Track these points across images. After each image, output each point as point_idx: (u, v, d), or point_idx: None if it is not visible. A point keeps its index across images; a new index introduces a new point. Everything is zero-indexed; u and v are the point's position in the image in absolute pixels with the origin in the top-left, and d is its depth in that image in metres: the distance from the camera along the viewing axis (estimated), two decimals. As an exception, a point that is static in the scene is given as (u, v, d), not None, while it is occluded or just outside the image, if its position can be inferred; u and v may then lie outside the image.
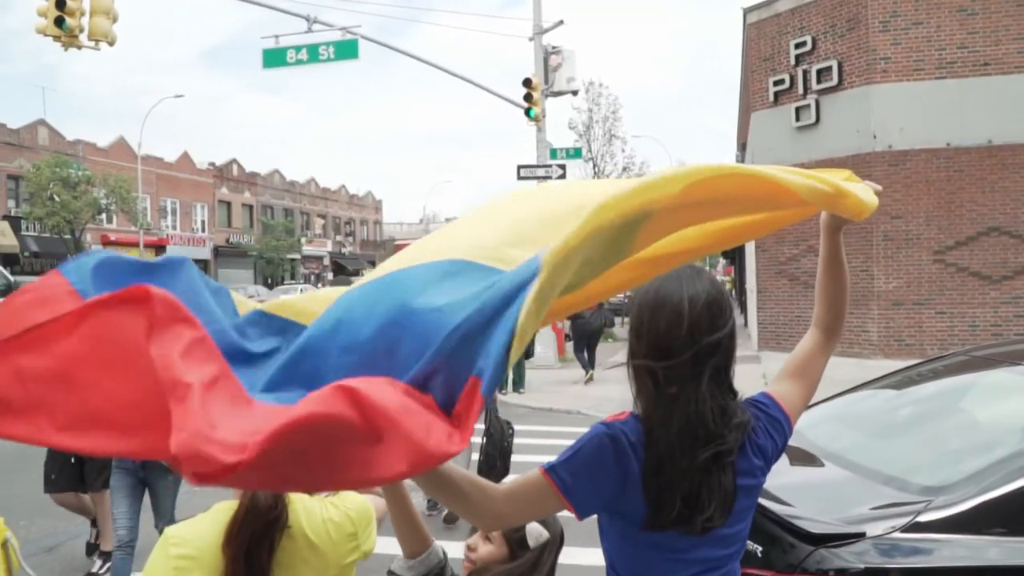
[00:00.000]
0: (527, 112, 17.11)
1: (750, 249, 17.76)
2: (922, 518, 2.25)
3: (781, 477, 3.11)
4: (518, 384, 13.19)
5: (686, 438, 1.44)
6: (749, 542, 2.42)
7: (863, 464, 2.83)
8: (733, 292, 46.28)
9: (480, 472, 6.31)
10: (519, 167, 17.87)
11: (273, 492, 1.64)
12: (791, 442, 3.27)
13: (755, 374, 13.45)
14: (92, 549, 5.41)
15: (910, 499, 2.41)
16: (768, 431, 1.60)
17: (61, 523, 6.01)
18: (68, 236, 32.61)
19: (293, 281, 47.38)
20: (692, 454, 1.44)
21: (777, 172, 1.42)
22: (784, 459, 3.25)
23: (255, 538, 1.63)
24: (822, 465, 2.99)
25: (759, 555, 2.34)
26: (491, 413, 6.44)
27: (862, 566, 2.13)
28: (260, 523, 1.65)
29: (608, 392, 12.58)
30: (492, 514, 1.47)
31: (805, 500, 2.62)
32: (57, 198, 31.47)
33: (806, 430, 3.40)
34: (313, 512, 1.74)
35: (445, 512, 6.53)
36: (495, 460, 6.17)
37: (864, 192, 1.65)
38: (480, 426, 6.61)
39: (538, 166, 17.82)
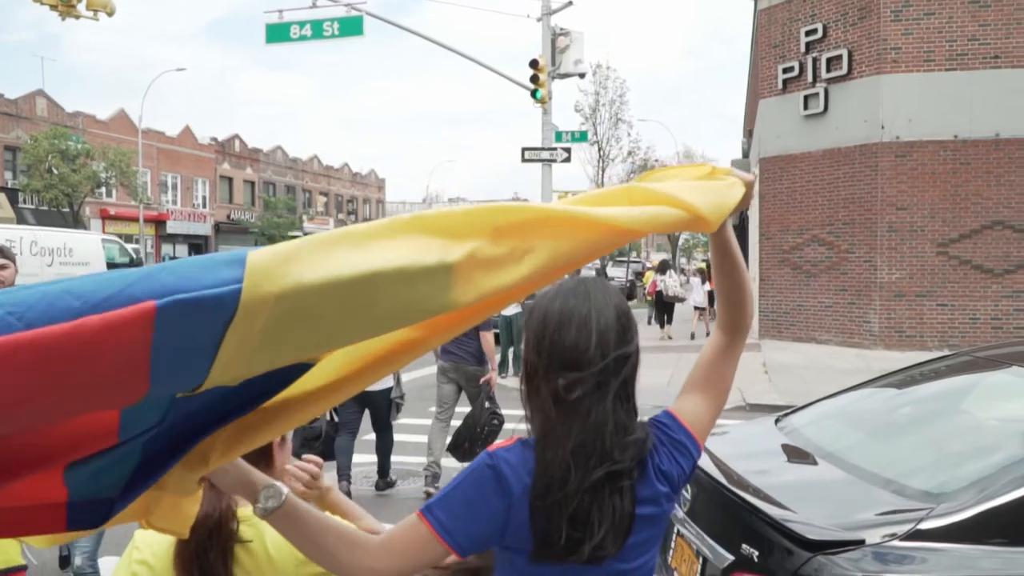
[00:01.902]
0: (533, 94, 16.96)
1: (753, 238, 17.68)
2: (923, 525, 2.20)
3: (778, 476, 3.09)
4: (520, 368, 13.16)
5: (580, 457, 1.34)
6: (745, 545, 2.38)
7: (861, 466, 2.78)
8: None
9: (448, 448, 6.36)
10: (524, 149, 17.76)
11: (225, 502, 1.57)
12: (788, 440, 3.27)
13: (756, 362, 13.44)
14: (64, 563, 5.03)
15: (909, 505, 2.36)
16: (672, 455, 1.46)
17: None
18: (67, 209, 32.45)
19: None
20: (584, 474, 1.34)
21: (611, 213, 1.22)
22: (781, 457, 3.25)
23: (205, 554, 1.54)
24: (820, 465, 2.94)
25: (755, 560, 2.30)
26: (481, 396, 6.44)
27: (860, 574, 2.08)
28: (208, 536, 1.54)
29: (649, 381, 12.54)
30: (366, 570, 1.33)
31: (802, 503, 2.58)
32: (55, 171, 31.23)
33: (804, 428, 3.37)
34: None
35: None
36: (464, 441, 6.22)
37: (723, 195, 1.39)
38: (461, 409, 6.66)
39: (543, 148, 17.71)
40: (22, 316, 0.88)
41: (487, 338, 6.64)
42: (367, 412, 6.62)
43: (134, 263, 19.14)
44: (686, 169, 1.46)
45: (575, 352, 1.37)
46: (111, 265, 17.66)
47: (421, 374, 12.26)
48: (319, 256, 1.03)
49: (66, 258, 16.55)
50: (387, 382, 6.45)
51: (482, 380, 6.62)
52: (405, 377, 7.86)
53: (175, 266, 0.98)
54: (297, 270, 1.00)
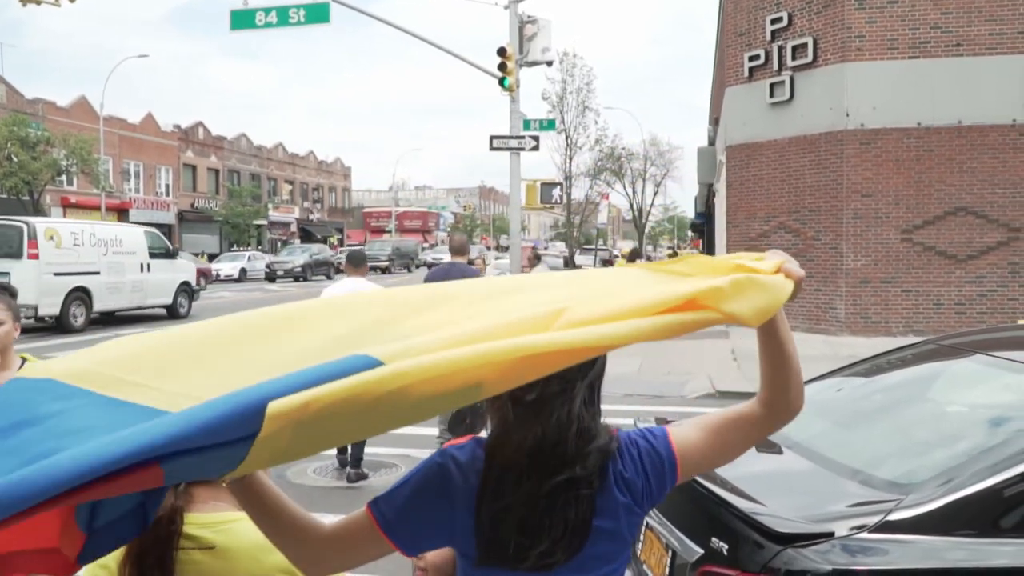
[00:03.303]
0: (501, 82, 16.86)
1: (720, 224, 17.81)
2: (892, 517, 2.20)
3: (746, 467, 3.06)
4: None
5: (537, 460, 1.29)
6: (714, 538, 2.37)
7: (829, 456, 2.79)
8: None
9: (449, 424, 6.35)
10: (492, 137, 17.66)
11: (170, 502, 1.54)
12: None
13: (724, 349, 13.55)
14: None
15: (877, 496, 2.36)
16: (641, 464, 1.37)
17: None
18: (26, 198, 31.78)
19: (240, 249, 45.68)
20: (541, 479, 1.28)
21: (645, 327, 1.12)
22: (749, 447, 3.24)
23: (144, 558, 1.51)
24: (788, 456, 2.94)
25: (725, 553, 2.29)
26: None
27: (830, 567, 2.07)
28: (148, 539, 1.50)
29: (619, 369, 12.56)
30: (310, 560, 1.30)
31: (771, 495, 2.57)
32: (15, 158, 30.56)
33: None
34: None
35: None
36: (465, 416, 6.22)
37: (767, 300, 1.19)
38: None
39: (511, 137, 17.62)
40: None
41: None
42: None
43: (170, 253, 20.71)
44: (718, 268, 1.25)
45: None
46: (152, 253, 19.65)
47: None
48: (349, 411, 1.01)
49: (118, 248, 18.50)
50: None
51: None
52: None
53: (183, 437, 0.93)
54: (319, 420, 0.99)
